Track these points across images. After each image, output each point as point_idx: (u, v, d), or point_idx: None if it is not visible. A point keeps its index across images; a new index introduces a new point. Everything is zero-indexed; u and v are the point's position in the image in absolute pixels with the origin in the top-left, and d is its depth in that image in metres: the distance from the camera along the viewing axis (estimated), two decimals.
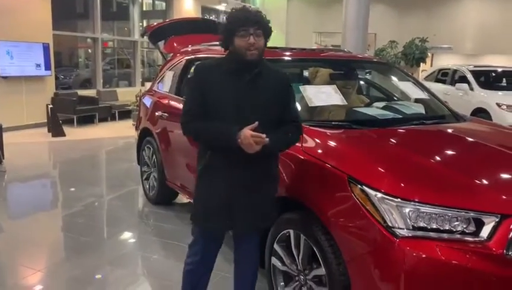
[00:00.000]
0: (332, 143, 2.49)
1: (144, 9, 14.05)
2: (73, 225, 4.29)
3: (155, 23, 5.54)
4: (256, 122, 2.04)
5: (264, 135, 2.03)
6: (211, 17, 15.58)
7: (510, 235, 1.92)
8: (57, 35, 10.01)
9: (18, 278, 3.21)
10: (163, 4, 14.20)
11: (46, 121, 8.91)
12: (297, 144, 2.50)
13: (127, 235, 4.08)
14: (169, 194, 4.57)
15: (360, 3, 9.07)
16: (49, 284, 3.16)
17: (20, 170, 6.14)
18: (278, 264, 2.60)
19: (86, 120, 10.05)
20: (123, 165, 6.52)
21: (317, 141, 2.50)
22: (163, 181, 4.40)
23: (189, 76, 4.13)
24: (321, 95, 2.93)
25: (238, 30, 2.10)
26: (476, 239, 1.94)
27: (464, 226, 1.95)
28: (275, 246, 2.60)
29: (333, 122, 2.82)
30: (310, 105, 2.91)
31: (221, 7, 16.42)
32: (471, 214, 1.96)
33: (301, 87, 3.01)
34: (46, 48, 9.44)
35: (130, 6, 12.85)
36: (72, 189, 5.49)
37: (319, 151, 2.43)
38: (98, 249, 3.70)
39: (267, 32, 2.17)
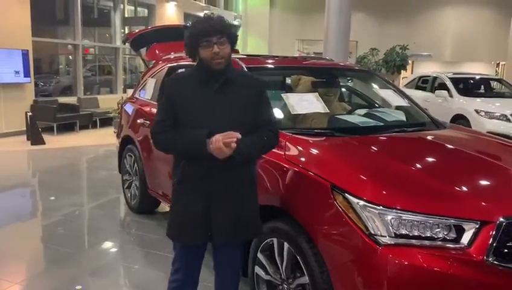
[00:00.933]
0: (314, 151, 2.49)
1: (126, 15, 13.95)
2: (52, 236, 4.20)
3: (137, 30, 5.51)
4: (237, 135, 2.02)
5: (236, 133, 2.01)
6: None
7: (490, 242, 1.94)
8: (36, 42, 9.86)
9: None
10: (146, 11, 14.14)
11: (25, 129, 8.74)
12: (280, 152, 2.50)
13: (108, 245, 4.01)
14: (152, 203, 4.52)
15: (341, 11, 9.17)
16: None
17: None
18: (262, 273, 2.58)
19: (67, 128, 9.90)
20: (104, 174, 6.44)
21: (300, 148, 2.50)
22: (145, 190, 4.35)
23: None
24: (303, 102, 2.94)
25: (201, 41, 2.09)
26: (457, 246, 1.95)
27: (445, 233, 1.97)
28: (258, 255, 2.58)
29: (316, 130, 2.83)
30: (292, 113, 2.91)
31: (203, 14, 16.37)
32: (452, 221, 1.98)
33: (283, 95, 3.01)
34: (25, 54, 9.29)
35: (111, 12, 12.75)
36: (51, 198, 5.38)
37: (302, 159, 2.43)
38: (78, 260, 3.62)
39: (231, 39, 2.14)
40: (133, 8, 13.99)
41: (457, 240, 1.97)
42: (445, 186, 2.16)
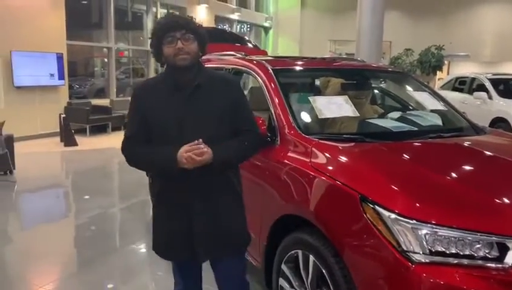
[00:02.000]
0: (342, 158, 2.34)
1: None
2: (79, 238, 4.23)
3: None
4: (199, 140, 1.88)
5: (199, 141, 1.87)
6: (224, 27, 15.59)
7: None
8: (71, 45, 10.07)
9: None
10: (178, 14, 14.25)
11: (59, 130, 8.93)
12: (305, 159, 2.37)
13: (133, 250, 3.98)
14: None
15: (375, 10, 8.94)
16: None
17: (30, 181, 6.12)
18: (286, 285, 2.46)
19: (99, 129, 10.06)
20: (134, 176, 6.37)
21: (327, 155, 2.36)
22: None
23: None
24: (332, 106, 2.80)
25: (164, 37, 1.93)
26: (499, 265, 1.77)
27: (486, 251, 1.79)
28: (283, 266, 2.46)
29: (344, 135, 2.67)
30: (319, 117, 2.77)
31: (235, 16, 16.44)
32: (494, 238, 1.79)
33: (310, 98, 2.88)
34: (59, 57, 9.50)
35: (144, 15, 12.91)
36: (81, 200, 5.45)
37: (329, 166, 2.28)
38: (102, 264, 3.60)
39: (199, 37, 1.97)
40: (165, 11, 14.13)
41: (500, 259, 1.78)
42: (486, 199, 1.97)
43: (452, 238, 1.80)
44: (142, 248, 4.01)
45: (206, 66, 4.00)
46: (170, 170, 1.91)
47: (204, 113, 1.96)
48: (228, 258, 2.15)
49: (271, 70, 3.03)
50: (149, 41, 2.03)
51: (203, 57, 4.31)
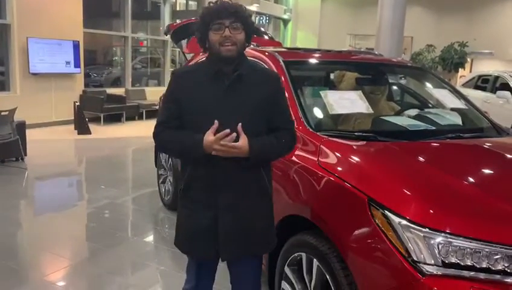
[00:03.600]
0: (352, 158, 2.19)
1: (178, 9, 14.03)
2: (85, 228, 4.19)
3: (178, 21, 5.37)
4: (227, 130, 1.79)
5: (228, 131, 1.78)
6: None
7: None
8: (90, 33, 10.05)
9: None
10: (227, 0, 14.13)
11: (73, 118, 8.93)
12: (313, 157, 2.24)
13: (136, 243, 3.89)
14: None
15: (396, 4, 8.69)
16: None
17: (41, 168, 6.11)
18: (288, 289, 2.34)
19: (114, 119, 10.05)
20: (145, 166, 6.36)
21: (336, 154, 2.21)
22: (178, 185, 4.20)
23: None
24: (344, 101, 2.65)
25: (212, 23, 1.85)
26: None
27: (506, 265, 1.64)
28: (286, 269, 2.34)
29: (356, 133, 2.51)
30: (331, 112, 2.63)
31: (253, 7, 16.23)
32: None
33: (322, 93, 2.73)
34: (76, 45, 9.49)
35: (161, 5, 12.84)
36: (90, 189, 5.41)
37: (337, 166, 2.14)
38: (103, 256, 3.54)
39: (247, 26, 1.90)
40: (184, 1, 14.04)
41: None
42: (506, 208, 1.81)
43: (468, 250, 1.65)
44: (146, 242, 3.94)
45: None
46: (197, 154, 1.84)
47: (242, 104, 1.89)
48: (248, 259, 2.06)
49: (282, 63, 2.89)
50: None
51: None
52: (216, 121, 1.80)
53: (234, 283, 2.14)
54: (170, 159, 4.40)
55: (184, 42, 5.19)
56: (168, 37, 12.62)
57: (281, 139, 1.94)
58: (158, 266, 3.39)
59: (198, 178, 1.93)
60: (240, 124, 1.81)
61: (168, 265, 3.43)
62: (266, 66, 2.82)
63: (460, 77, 15.95)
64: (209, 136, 1.80)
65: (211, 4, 1.91)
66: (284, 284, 2.36)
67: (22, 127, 6.15)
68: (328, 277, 2.00)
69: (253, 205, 1.95)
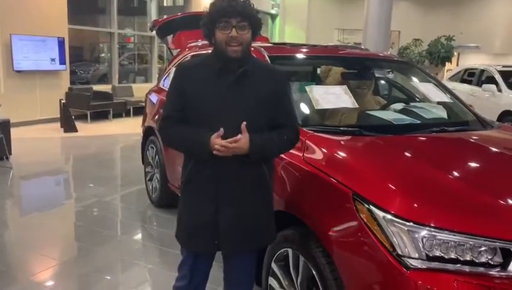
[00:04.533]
0: (337, 152, 2.18)
1: (165, 4, 13.93)
2: (72, 227, 4.14)
3: (165, 17, 5.31)
4: (236, 138, 1.81)
5: (239, 137, 1.81)
6: None
7: None
8: (76, 30, 9.91)
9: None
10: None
11: (59, 116, 8.82)
12: (298, 152, 2.23)
13: (123, 241, 3.86)
14: (172, 196, 4.34)
15: None
16: None
17: (27, 167, 6.03)
18: (275, 284, 2.33)
19: (100, 116, 9.94)
20: (132, 164, 6.31)
21: (321, 149, 2.21)
22: (165, 183, 4.18)
23: None
24: (329, 96, 2.64)
25: (218, 21, 1.85)
26: (503, 274, 1.63)
27: (489, 257, 1.65)
28: (273, 264, 2.33)
29: (341, 128, 2.51)
30: (316, 107, 2.61)
31: None
32: (498, 243, 1.65)
33: (307, 88, 2.71)
34: (61, 42, 9.35)
35: (148, 1, 12.72)
36: (77, 188, 5.35)
37: (322, 161, 2.14)
38: (90, 255, 3.49)
39: (254, 25, 1.90)
40: None
41: (503, 266, 1.64)
42: (490, 201, 1.82)
43: (452, 243, 1.66)
44: (133, 240, 3.91)
45: (202, 52, 3.87)
46: (202, 153, 1.85)
47: (246, 100, 1.91)
48: (245, 253, 2.08)
49: (267, 58, 2.87)
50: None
51: (200, 43, 4.19)
52: (222, 129, 1.80)
53: (228, 275, 2.15)
54: (157, 156, 4.36)
55: (170, 38, 5.14)
56: (154, 33, 12.56)
57: (282, 135, 1.96)
58: (146, 264, 3.36)
59: (200, 171, 1.95)
60: (245, 123, 1.81)
61: (156, 263, 3.41)
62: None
63: (448, 70, 16.06)
64: (216, 139, 1.80)
65: (218, 1, 1.88)
66: (271, 280, 2.36)
67: (6, 126, 6.05)
68: (314, 272, 2.00)
69: (255, 199, 1.97)
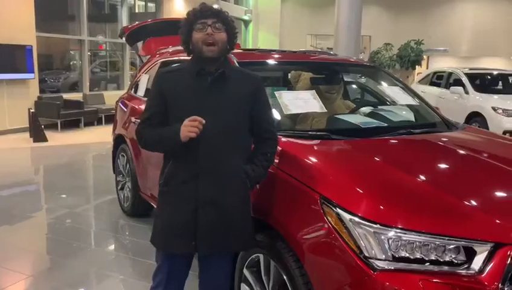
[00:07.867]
0: (305, 157, 2.20)
1: (137, 11, 13.80)
2: (43, 240, 4.03)
3: (134, 24, 5.27)
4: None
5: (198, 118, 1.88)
6: None
7: (506, 267, 1.65)
8: (45, 38, 9.70)
9: None
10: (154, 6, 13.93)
11: (28, 126, 8.60)
12: None
13: (94, 252, 3.78)
14: (144, 205, 4.28)
15: (353, 4, 8.86)
16: None
17: None
18: None
19: (71, 125, 9.75)
20: (103, 173, 6.22)
21: (289, 154, 2.22)
22: (137, 191, 4.12)
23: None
24: (298, 101, 2.66)
25: (195, 23, 1.99)
26: (467, 272, 1.67)
27: (453, 256, 1.68)
28: (245, 270, 2.32)
29: (310, 132, 2.54)
30: (285, 113, 2.63)
31: None
32: (461, 242, 1.69)
33: (276, 93, 2.73)
34: (29, 50, 9.13)
35: (119, 7, 12.58)
36: (47, 199, 5.22)
37: (290, 166, 2.15)
38: (61, 268, 3.40)
39: (229, 27, 2.03)
40: (143, 3, 13.81)
41: (467, 264, 1.68)
42: (453, 201, 1.86)
43: (417, 243, 1.69)
44: (104, 251, 3.83)
45: (172, 58, 3.85)
46: (175, 143, 1.91)
47: (224, 101, 1.99)
48: (223, 254, 2.11)
49: (236, 64, 2.87)
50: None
51: (170, 49, 4.16)
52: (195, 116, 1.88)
53: (204, 280, 2.15)
54: (128, 165, 4.31)
55: (140, 44, 5.10)
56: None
57: (266, 154, 2.06)
58: (119, 276, 3.29)
59: (179, 171, 1.98)
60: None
61: (129, 274, 3.34)
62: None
63: (418, 74, 16.42)
64: (185, 121, 1.88)
65: (194, 8, 2.05)
66: (243, 286, 2.35)
67: None
68: (285, 277, 2.00)
69: (233, 199, 2.00)
